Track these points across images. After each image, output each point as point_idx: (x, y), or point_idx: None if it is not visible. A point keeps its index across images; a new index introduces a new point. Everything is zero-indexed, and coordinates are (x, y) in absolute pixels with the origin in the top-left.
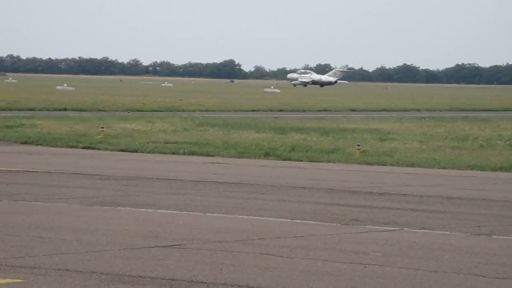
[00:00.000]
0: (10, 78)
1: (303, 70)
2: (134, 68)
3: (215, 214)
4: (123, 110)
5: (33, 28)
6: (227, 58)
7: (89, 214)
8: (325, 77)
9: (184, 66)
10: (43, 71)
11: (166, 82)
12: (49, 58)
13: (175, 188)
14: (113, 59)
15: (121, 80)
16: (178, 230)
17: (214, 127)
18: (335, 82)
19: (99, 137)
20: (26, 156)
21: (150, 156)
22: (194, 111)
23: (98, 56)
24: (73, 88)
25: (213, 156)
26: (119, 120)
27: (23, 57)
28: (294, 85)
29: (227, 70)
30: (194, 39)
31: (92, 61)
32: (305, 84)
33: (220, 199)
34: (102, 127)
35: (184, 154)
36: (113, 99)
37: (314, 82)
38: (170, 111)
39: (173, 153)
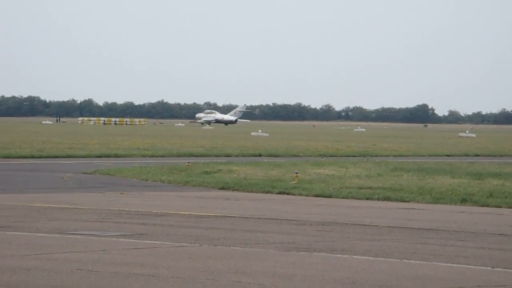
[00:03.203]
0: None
1: (208, 110)
2: (326, 114)
3: (412, 261)
4: (317, 156)
5: (229, 77)
6: (420, 103)
7: (285, 260)
8: (227, 117)
9: (377, 111)
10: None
11: (358, 127)
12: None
13: (370, 234)
14: (306, 105)
15: (314, 126)
16: (375, 276)
17: (408, 172)
18: (236, 121)
19: (293, 182)
20: (223, 201)
21: (344, 201)
22: (387, 156)
23: (292, 102)
24: (267, 134)
25: (407, 201)
26: (312, 165)
27: (220, 104)
28: (202, 123)
29: (420, 115)
30: (387, 84)
31: (285, 107)
32: (209, 122)
33: (417, 246)
34: (297, 173)
35: (378, 199)
36: (306, 144)
37: (217, 121)
38: (363, 156)
39: (367, 199)
